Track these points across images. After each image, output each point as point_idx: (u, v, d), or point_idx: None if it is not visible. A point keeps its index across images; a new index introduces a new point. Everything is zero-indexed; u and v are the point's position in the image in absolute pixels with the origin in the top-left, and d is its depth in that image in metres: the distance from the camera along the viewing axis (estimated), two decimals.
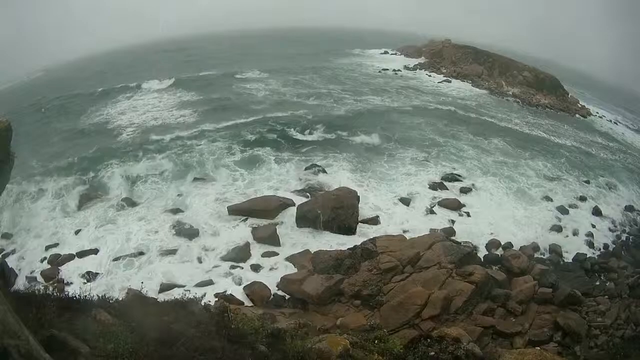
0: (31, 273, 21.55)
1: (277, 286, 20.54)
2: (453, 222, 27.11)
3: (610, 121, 63.28)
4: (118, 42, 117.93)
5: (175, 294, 19.57)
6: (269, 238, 23.91)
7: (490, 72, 68.98)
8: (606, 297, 21.03)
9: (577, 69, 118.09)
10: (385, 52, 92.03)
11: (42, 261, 22.39)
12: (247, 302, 19.52)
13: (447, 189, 30.89)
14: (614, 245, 27.40)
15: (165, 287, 20.05)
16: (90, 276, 21.06)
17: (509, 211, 29.16)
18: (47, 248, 23.26)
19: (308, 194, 28.48)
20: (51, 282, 20.12)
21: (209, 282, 20.85)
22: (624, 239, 28.61)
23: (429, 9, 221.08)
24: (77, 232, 24.47)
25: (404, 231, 25.57)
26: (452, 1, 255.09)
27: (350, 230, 24.96)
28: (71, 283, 20.47)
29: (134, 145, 34.94)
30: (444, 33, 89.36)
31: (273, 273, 21.66)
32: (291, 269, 21.78)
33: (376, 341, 11.61)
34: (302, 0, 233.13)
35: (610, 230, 29.25)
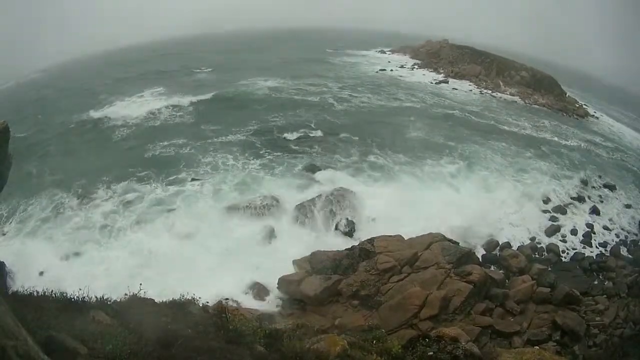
0: (30, 274, 21.46)
1: (275, 287, 20.53)
2: (451, 221, 27.07)
3: (608, 121, 63.30)
4: (109, 44, 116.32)
5: (173, 295, 19.62)
6: (267, 238, 23.88)
7: (488, 72, 69.07)
8: (605, 296, 21.07)
9: (576, 69, 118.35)
10: (383, 52, 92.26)
11: (41, 262, 22.29)
12: (245, 303, 19.50)
13: (446, 188, 30.91)
14: (612, 244, 27.44)
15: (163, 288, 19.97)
16: (87, 277, 20.98)
17: (507, 211, 29.16)
18: (46, 249, 23.15)
19: (307, 194, 28.42)
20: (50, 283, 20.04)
21: (207, 283, 20.79)
22: (622, 238, 28.65)
23: (429, 10, 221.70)
24: (74, 234, 24.33)
25: (402, 231, 25.60)
26: (452, 1, 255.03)
27: (348, 231, 24.95)
28: (69, 284, 20.38)
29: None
30: (443, 33, 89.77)
31: (271, 273, 21.66)
32: (289, 270, 21.77)
33: (374, 341, 11.63)
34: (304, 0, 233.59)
35: (608, 229, 29.28)
